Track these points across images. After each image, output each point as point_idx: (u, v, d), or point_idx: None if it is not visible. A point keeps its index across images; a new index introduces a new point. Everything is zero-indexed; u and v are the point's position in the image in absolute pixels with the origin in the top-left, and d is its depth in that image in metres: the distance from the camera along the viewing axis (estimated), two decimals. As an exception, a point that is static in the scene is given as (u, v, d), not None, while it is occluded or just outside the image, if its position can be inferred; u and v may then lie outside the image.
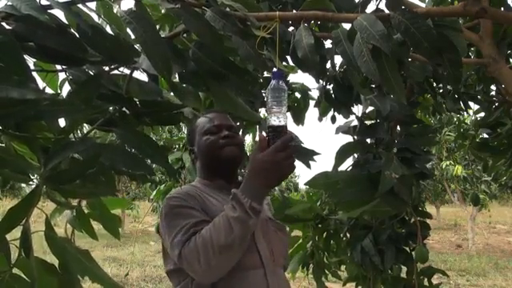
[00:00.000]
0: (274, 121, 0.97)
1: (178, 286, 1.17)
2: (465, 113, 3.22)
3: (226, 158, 1.27)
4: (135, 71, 1.08)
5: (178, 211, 1.14)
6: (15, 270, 0.89)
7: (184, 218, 1.11)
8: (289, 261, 1.47)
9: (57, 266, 0.96)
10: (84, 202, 1.31)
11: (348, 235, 2.25)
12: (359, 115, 1.94)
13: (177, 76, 1.10)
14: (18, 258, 0.89)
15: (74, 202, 1.26)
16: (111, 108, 1.03)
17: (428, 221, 2.08)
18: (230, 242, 1.00)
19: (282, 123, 0.98)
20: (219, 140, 1.27)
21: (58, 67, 1.06)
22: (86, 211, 1.29)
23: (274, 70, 1.01)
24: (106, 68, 1.05)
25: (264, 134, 1.01)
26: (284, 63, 1.41)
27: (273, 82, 0.98)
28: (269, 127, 0.98)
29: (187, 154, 2.51)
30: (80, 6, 0.95)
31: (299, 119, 2.61)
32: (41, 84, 1.08)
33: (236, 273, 1.09)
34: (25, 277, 0.90)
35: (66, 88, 1.19)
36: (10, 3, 0.77)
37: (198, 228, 1.07)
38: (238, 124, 2.43)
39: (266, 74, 2.07)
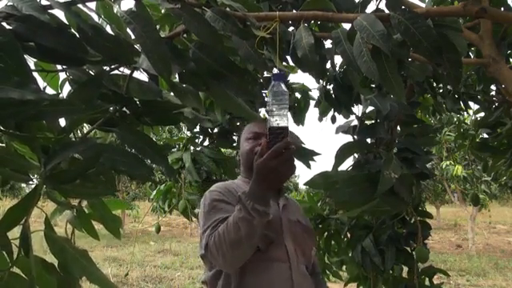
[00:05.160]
0: (274, 123, 0.97)
1: (210, 270, 1.32)
2: (465, 113, 3.22)
3: None
4: (135, 71, 1.08)
5: (215, 205, 1.28)
6: (15, 269, 0.89)
7: (218, 212, 1.25)
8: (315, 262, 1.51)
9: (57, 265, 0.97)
10: (85, 203, 1.31)
11: (349, 235, 2.25)
12: (359, 115, 1.94)
13: (177, 76, 1.10)
14: (18, 256, 0.89)
15: (75, 202, 1.26)
16: (111, 108, 1.02)
17: (428, 221, 2.08)
18: (238, 240, 1.10)
19: (282, 125, 0.98)
20: (256, 147, 1.41)
21: (59, 67, 1.07)
22: (86, 211, 1.29)
23: (275, 71, 1.00)
24: (107, 68, 1.05)
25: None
26: (284, 63, 1.42)
27: (273, 84, 0.97)
28: (269, 129, 0.98)
29: (187, 154, 2.51)
30: (80, 6, 0.95)
31: (299, 119, 2.61)
32: (41, 84, 1.08)
33: (263, 263, 1.24)
34: (24, 276, 0.90)
35: (67, 88, 1.20)
36: (10, 3, 0.77)
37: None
38: (238, 124, 2.44)
39: (266, 74, 2.07)
